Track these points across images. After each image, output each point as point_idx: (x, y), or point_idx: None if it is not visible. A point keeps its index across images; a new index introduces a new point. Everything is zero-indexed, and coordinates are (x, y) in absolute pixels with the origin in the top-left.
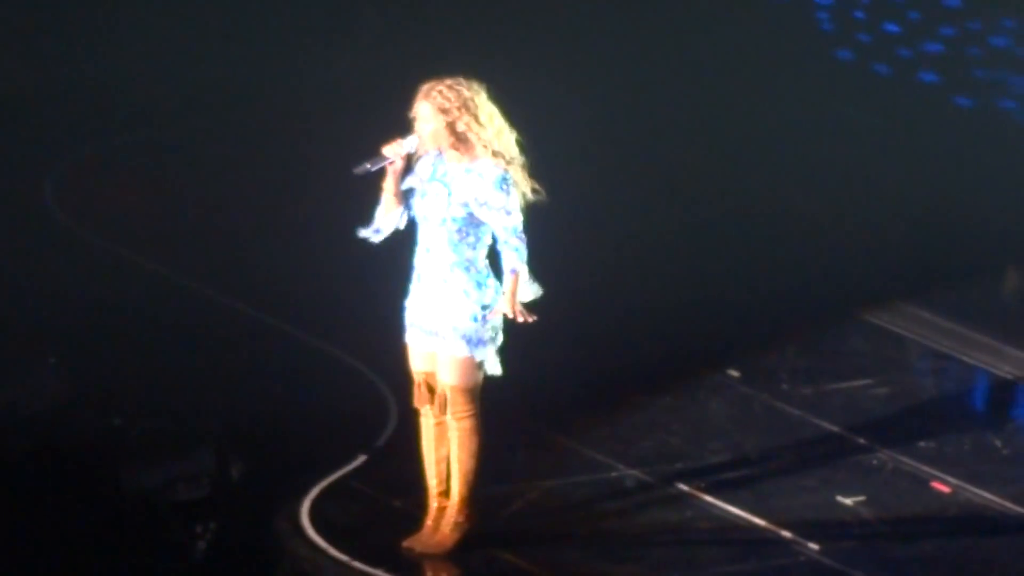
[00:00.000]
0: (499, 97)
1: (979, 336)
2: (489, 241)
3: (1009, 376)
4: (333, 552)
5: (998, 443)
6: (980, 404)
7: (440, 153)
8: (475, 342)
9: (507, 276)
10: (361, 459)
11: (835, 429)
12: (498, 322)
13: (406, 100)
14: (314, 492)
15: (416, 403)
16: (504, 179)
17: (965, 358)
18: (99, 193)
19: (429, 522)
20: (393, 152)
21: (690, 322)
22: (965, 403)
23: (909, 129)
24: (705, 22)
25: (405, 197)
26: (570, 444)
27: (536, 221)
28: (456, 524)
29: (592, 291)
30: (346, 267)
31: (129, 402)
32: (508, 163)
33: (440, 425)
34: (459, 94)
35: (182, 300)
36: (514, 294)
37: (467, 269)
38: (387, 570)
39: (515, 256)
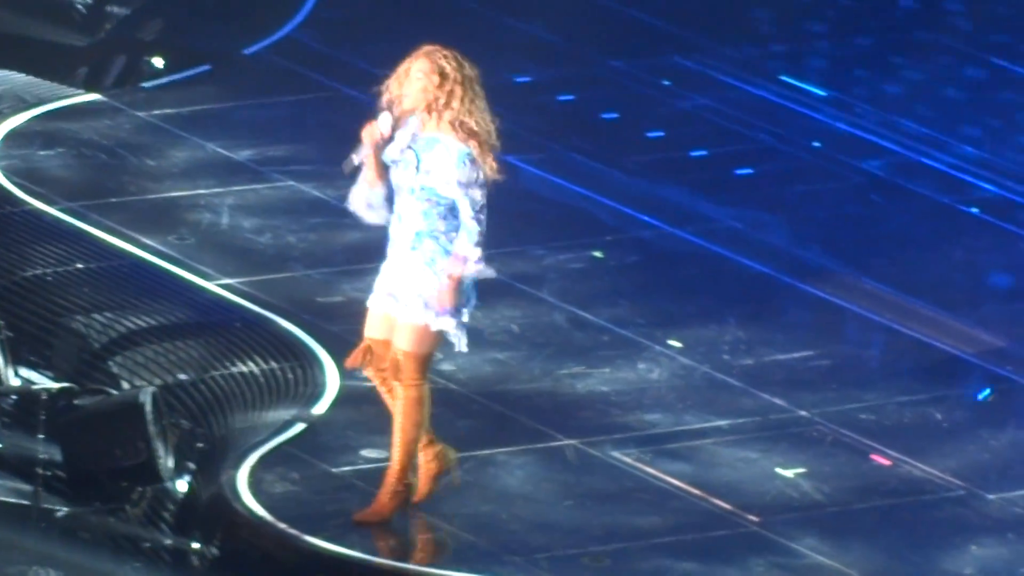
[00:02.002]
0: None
1: (921, 308)
2: (456, 212)
3: (950, 349)
4: (271, 520)
5: (938, 416)
6: (921, 377)
7: (419, 123)
8: (437, 312)
9: (451, 261)
10: (300, 426)
11: (776, 401)
12: (464, 296)
13: None
14: (252, 459)
15: (348, 363)
16: (468, 155)
17: (906, 330)
18: None
19: (418, 477)
20: (371, 136)
21: (631, 293)
22: (906, 376)
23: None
24: None
25: (387, 171)
26: (509, 413)
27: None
28: (395, 492)
29: (536, 260)
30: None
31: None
32: (478, 143)
33: (392, 393)
34: (463, 68)
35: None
36: (453, 281)
37: (436, 238)
38: (324, 538)
39: (465, 235)
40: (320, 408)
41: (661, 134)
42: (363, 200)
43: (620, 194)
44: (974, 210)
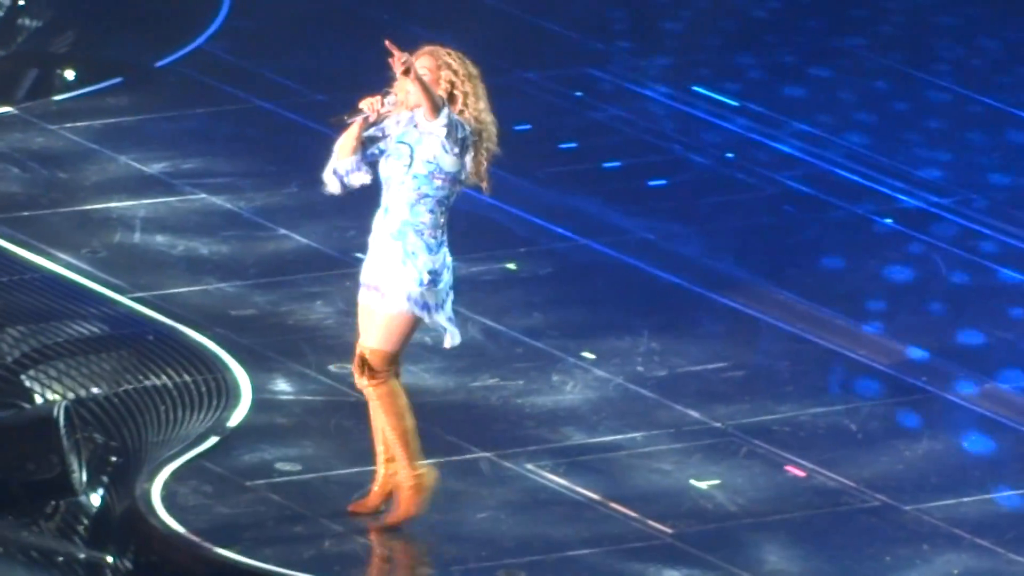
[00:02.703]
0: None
1: (834, 319)
2: (444, 209)
3: (864, 360)
4: (185, 533)
5: (852, 427)
6: (835, 388)
7: (412, 115)
8: (420, 304)
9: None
10: (213, 439)
11: (690, 412)
12: (446, 288)
13: None
14: (166, 473)
15: (355, 373)
16: (461, 129)
17: (820, 341)
18: None
19: (375, 488)
20: (370, 107)
21: (544, 304)
22: (820, 387)
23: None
24: None
25: (363, 147)
26: (424, 426)
27: None
28: (412, 487)
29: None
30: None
31: None
32: (479, 138)
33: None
34: (466, 66)
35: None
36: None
37: (420, 233)
38: (238, 551)
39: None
40: (233, 421)
41: (574, 145)
42: (331, 166)
43: (533, 205)
44: (888, 221)
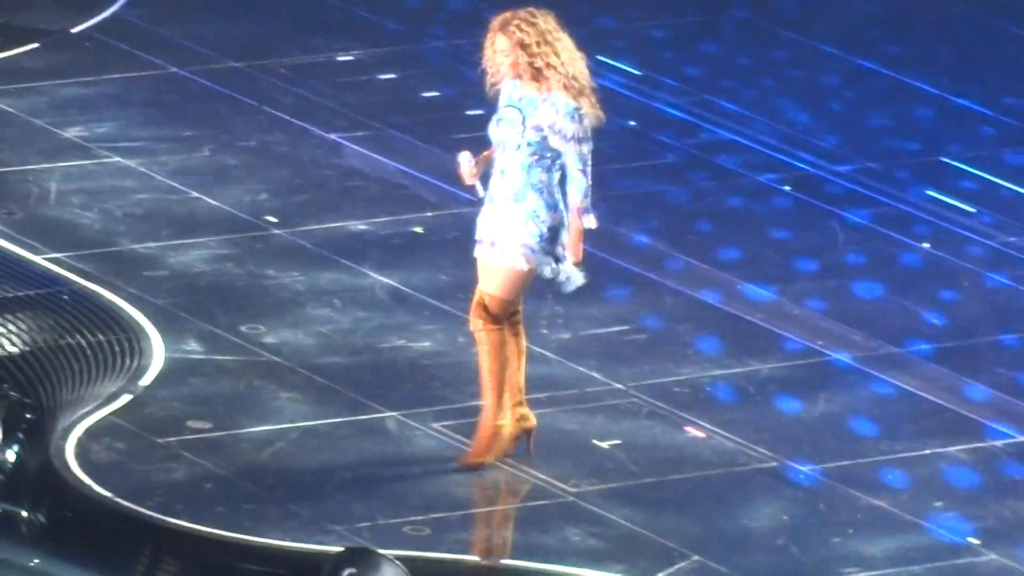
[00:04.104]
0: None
1: (734, 284)
2: (560, 166)
3: (763, 323)
4: (98, 489)
5: (751, 390)
6: (734, 351)
7: (516, 82)
8: (540, 255)
9: (572, 215)
10: (126, 398)
11: (593, 374)
12: (559, 247)
13: None
14: (80, 430)
15: (472, 317)
16: (577, 110)
17: (720, 306)
18: None
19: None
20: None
21: (451, 267)
22: (719, 350)
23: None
24: None
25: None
26: (332, 385)
27: None
28: (494, 435)
29: (358, 235)
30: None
31: None
32: (580, 94)
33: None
34: (536, 27)
35: None
36: (579, 232)
37: (540, 192)
38: (150, 507)
39: (579, 188)
40: (146, 380)
41: (481, 112)
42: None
43: (440, 171)
44: (786, 188)
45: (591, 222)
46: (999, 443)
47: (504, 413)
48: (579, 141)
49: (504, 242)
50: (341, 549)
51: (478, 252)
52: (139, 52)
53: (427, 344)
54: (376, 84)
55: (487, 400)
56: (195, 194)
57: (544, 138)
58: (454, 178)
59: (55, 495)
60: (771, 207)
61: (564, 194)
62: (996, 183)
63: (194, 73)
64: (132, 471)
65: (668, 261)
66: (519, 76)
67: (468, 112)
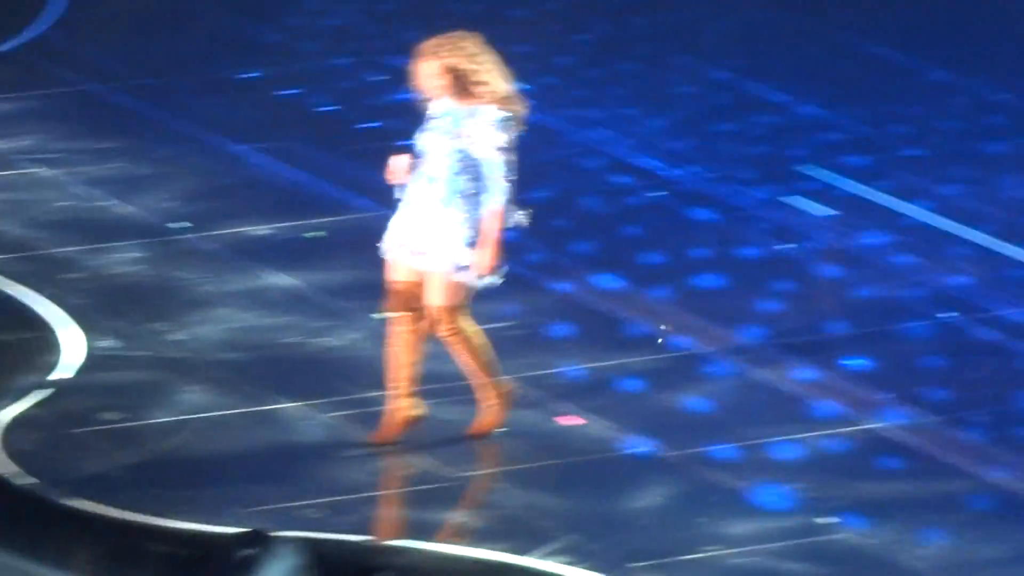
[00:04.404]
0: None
1: (612, 283)
2: (483, 174)
3: (639, 321)
4: (21, 474)
5: (620, 381)
6: (608, 346)
7: (446, 100)
8: (480, 275)
9: (484, 216)
10: (46, 392)
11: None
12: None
13: None
14: (3, 421)
15: (391, 309)
16: (506, 119)
17: (598, 303)
18: None
19: (391, 418)
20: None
21: (348, 268)
22: (596, 345)
23: None
24: None
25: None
26: (235, 378)
27: None
28: (489, 407)
29: (262, 238)
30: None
31: None
32: (507, 103)
33: (413, 333)
34: (463, 50)
35: None
36: (488, 236)
37: (467, 198)
38: (65, 491)
39: (499, 194)
40: (63, 375)
41: (376, 125)
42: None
43: (336, 179)
44: (663, 192)
45: (521, 219)
46: (847, 430)
47: (499, 382)
48: (505, 151)
49: (434, 249)
50: (240, 530)
51: (402, 258)
52: (60, 70)
53: (323, 340)
54: (277, 99)
55: (482, 381)
56: (111, 201)
57: (471, 147)
58: (350, 186)
59: None
60: (643, 211)
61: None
62: (836, 185)
63: (110, 89)
64: (48, 458)
65: (550, 262)
66: (448, 95)
67: (360, 126)
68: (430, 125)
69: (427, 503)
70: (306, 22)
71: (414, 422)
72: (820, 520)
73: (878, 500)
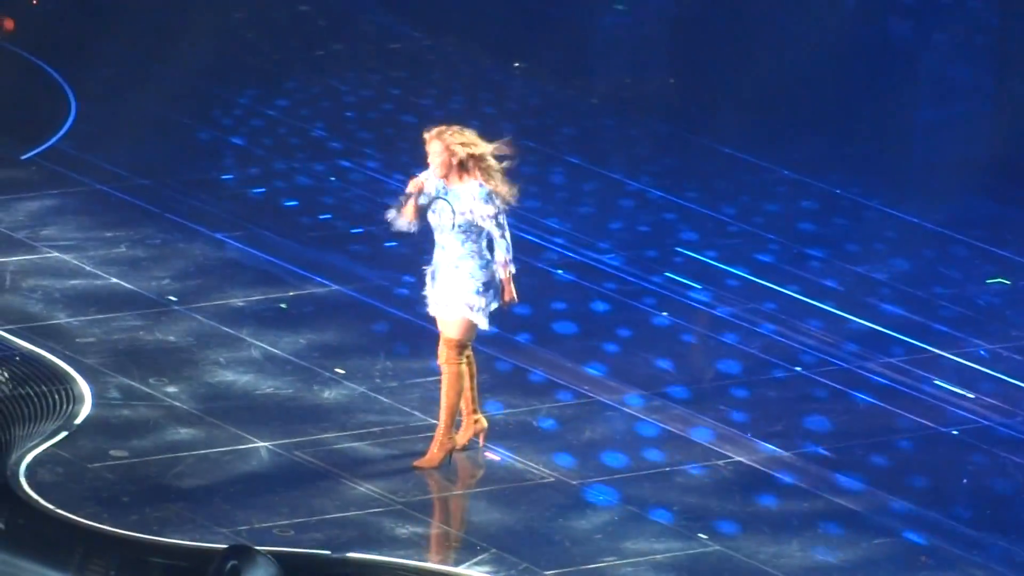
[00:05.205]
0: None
1: (530, 346)
2: (485, 236)
3: (543, 374)
4: (43, 501)
5: (534, 423)
6: (521, 394)
7: (443, 177)
8: (476, 308)
9: (499, 268)
10: (64, 434)
11: (415, 413)
12: (493, 293)
13: None
14: (29, 458)
15: (439, 355)
16: (489, 193)
17: (509, 360)
18: None
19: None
20: (415, 186)
21: (308, 333)
22: (512, 393)
23: None
24: None
25: (421, 211)
26: (219, 423)
27: None
28: (441, 444)
29: (237, 310)
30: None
31: None
32: (491, 178)
33: (467, 366)
34: (460, 135)
35: None
36: (508, 281)
37: (473, 257)
38: (82, 516)
39: (502, 249)
40: (78, 419)
41: (329, 216)
42: (403, 227)
43: (299, 260)
44: (560, 271)
45: (512, 269)
46: (721, 462)
47: (454, 430)
48: (495, 215)
49: (451, 300)
50: (226, 546)
51: (433, 311)
52: (72, 173)
53: (290, 391)
54: (249, 196)
55: (442, 420)
56: (114, 279)
57: (471, 220)
58: (309, 266)
59: (11, 507)
60: (546, 282)
61: (492, 254)
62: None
63: (113, 188)
64: (69, 488)
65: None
66: (447, 173)
67: (319, 217)
68: (433, 206)
69: (376, 523)
70: (267, 127)
71: (482, 432)
72: (695, 536)
73: (742, 518)
